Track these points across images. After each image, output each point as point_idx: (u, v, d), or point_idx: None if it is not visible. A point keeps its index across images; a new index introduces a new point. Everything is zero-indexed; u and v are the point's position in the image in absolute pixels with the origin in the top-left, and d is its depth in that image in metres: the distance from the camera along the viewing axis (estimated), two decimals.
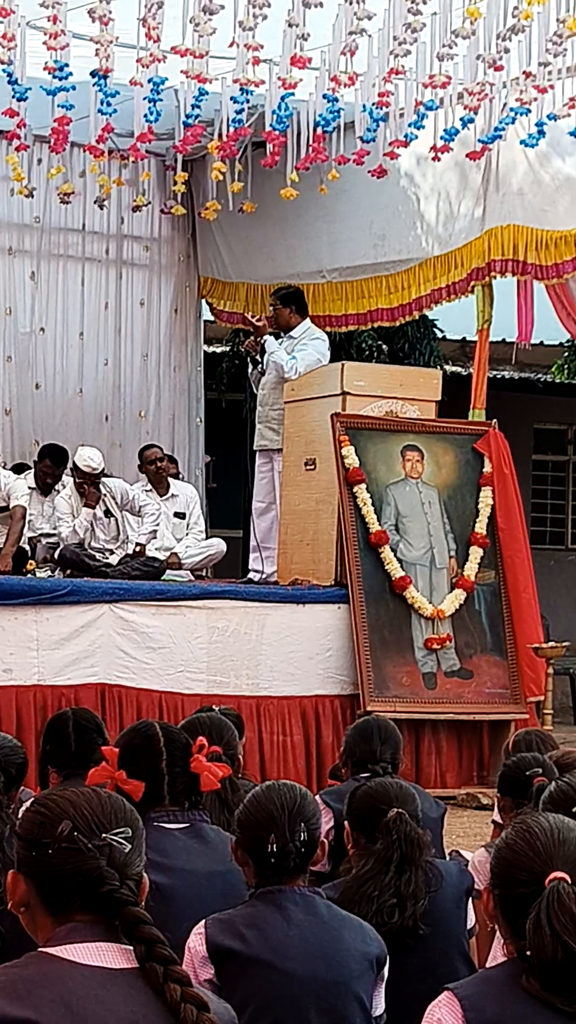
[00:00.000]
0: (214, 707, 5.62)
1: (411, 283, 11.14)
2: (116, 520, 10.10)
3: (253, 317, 10.92)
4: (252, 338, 10.78)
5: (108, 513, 10.05)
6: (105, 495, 9.98)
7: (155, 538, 10.27)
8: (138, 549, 9.90)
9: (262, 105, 9.57)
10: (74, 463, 9.95)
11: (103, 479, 9.97)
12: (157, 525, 10.22)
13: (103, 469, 9.99)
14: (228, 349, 14.99)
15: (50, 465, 10.58)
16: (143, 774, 3.73)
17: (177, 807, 3.81)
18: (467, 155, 9.77)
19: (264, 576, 10.35)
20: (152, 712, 8.42)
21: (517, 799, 4.50)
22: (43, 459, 10.65)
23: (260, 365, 10.64)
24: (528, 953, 2.47)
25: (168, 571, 9.93)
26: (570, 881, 2.48)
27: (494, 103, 9.29)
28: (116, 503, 10.05)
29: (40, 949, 2.22)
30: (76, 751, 4.68)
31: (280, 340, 10.60)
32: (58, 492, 10.44)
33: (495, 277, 10.26)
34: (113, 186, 11.48)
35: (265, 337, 10.41)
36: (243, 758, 5.26)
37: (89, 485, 9.83)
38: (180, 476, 11.83)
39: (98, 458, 9.88)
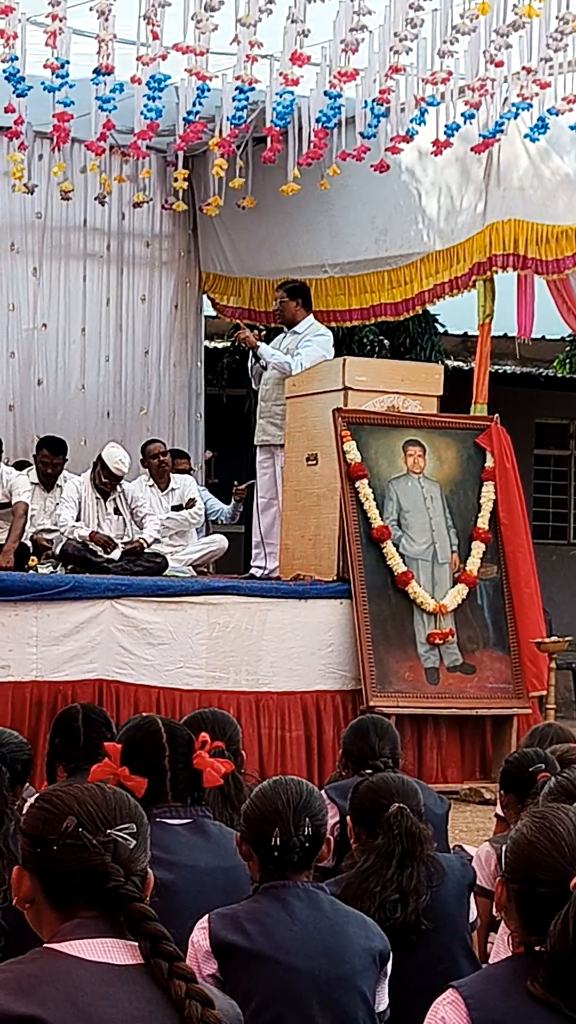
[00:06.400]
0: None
1: (413, 278, 11.12)
2: (124, 518, 10.13)
3: (250, 328, 10.89)
4: (242, 331, 10.73)
5: (117, 511, 10.09)
6: (118, 494, 10.04)
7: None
8: (137, 546, 9.89)
9: (263, 101, 9.56)
10: (102, 460, 9.94)
11: None
12: (159, 535, 10.22)
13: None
14: (229, 345, 14.98)
15: (48, 455, 10.53)
16: (146, 770, 3.71)
17: (180, 803, 3.80)
18: (472, 148, 9.75)
19: (266, 572, 10.34)
20: (149, 708, 8.39)
21: (519, 795, 4.51)
22: (40, 450, 10.64)
23: (260, 360, 10.62)
24: (538, 949, 2.43)
25: (171, 566, 9.95)
26: None
27: (495, 98, 9.28)
28: (126, 502, 10.09)
29: (45, 945, 2.22)
30: (85, 744, 4.67)
31: (284, 335, 10.59)
32: (60, 487, 10.42)
33: (496, 272, 10.25)
34: (114, 183, 11.49)
35: (259, 345, 10.35)
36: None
37: (112, 487, 9.93)
38: (192, 471, 11.78)
39: (128, 461, 9.97)
